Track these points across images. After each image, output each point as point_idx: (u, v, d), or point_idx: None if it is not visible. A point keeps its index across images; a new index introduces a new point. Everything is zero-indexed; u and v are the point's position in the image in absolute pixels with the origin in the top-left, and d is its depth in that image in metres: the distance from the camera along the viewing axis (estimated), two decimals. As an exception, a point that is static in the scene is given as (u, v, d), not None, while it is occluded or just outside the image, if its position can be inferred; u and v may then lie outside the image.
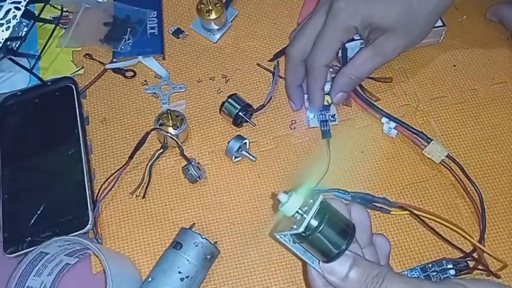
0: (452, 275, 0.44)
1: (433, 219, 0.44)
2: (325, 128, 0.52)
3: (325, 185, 0.49)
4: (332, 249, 0.33)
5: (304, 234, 0.32)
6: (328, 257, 0.33)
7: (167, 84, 0.56)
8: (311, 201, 0.33)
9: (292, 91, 0.52)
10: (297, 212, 0.33)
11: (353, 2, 0.46)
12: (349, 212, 0.36)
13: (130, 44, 0.57)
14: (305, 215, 0.32)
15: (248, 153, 0.51)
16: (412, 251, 0.47)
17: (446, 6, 0.47)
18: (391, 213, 0.42)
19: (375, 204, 0.41)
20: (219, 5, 0.56)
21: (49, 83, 0.56)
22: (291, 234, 0.34)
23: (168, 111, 0.51)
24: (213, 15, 0.56)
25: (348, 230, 0.33)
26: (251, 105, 0.53)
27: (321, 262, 0.34)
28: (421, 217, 0.44)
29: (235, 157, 0.51)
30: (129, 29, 0.58)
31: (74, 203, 0.49)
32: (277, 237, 0.35)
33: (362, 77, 0.49)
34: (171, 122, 0.51)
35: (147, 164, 0.51)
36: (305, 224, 0.32)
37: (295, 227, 0.32)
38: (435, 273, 0.45)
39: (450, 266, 0.45)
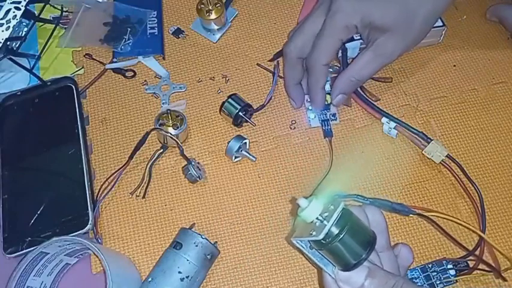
0: (452, 275, 0.44)
1: (449, 219, 0.43)
2: (326, 127, 0.52)
3: (325, 185, 0.49)
4: (351, 259, 0.32)
5: (323, 242, 0.31)
6: (347, 265, 0.32)
7: (167, 84, 0.56)
8: (331, 207, 0.32)
9: (291, 89, 0.52)
10: (317, 218, 0.32)
11: (352, 0, 0.46)
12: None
13: (130, 44, 0.57)
14: (325, 222, 0.31)
15: (248, 153, 0.51)
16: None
17: (444, 7, 0.47)
18: (410, 215, 0.42)
19: (393, 209, 0.40)
20: (219, 5, 0.56)
21: (49, 83, 0.56)
22: (309, 241, 0.33)
23: (168, 111, 0.51)
24: (213, 15, 0.56)
25: (369, 239, 0.33)
26: (251, 105, 0.53)
27: (335, 271, 0.34)
28: (435, 218, 0.44)
29: (235, 157, 0.51)
30: (129, 29, 0.58)
31: (74, 203, 0.49)
32: (294, 242, 0.34)
33: (363, 80, 0.49)
34: (171, 122, 0.51)
35: (147, 164, 0.51)
36: (325, 231, 0.31)
37: (314, 233, 0.31)
38: (435, 273, 0.45)
39: (450, 266, 0.45)
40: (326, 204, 0.32)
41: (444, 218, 0.43)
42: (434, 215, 0.44)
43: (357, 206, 0.36)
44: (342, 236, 0.31)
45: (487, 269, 0.44)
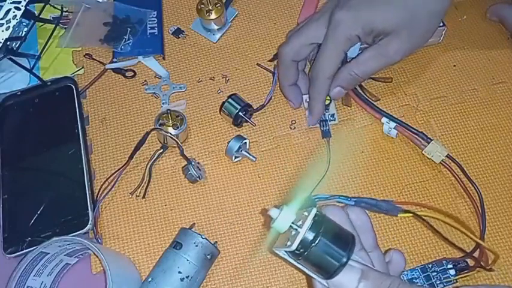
0: (452, 275, 0.44)
1: (437, 218, 0.43)
2: (324, 128, 0.52)
3: (324, 185, 0.49)
4: (333, 263, 0.31)
5: (298, 252, 0.30)
6: (329, 272, 0.31)
7: (167, 84, 0.56)
8: (305, 214, 0.31)
9: (286, 90, 0.53)
10: (291, 226, 0.31)
11: (352, 11, 0.46)
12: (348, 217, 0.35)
13: (130, 44, 0.57)
14: (299, 229, 0.30)
15: (248, 153, 0.51)
16: (412, 251, 0.47)
17: (446, 6, 0.47)
18: (398, 215, 0.41)
19: (379, 208, 0.40)
20: (219, 5, 0.56)
21: (49, 83, 0.56)
22: (286, 251, 0.32)
23: (168, 111, 0.51)
24: (213, 15, 0.56)
25: (347, 240, 0.31)
26: (251, 105, 0.53)
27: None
28: (425, 218, 0.44)
29: (235, 157, 0.51)
30: (129, 29, 0.58)
31: (74, 203, 0.49)
32: (276, 251, 0.33)
33: (363, 76, 0.49)
34: (171, 122, 0.51)
35: (147, 164, 0.51)
36: (298, 240, 0.30)
37: (289, 243, 0.30)
38: (435, 273, 0.45)
39: (450, 266, 0.45)
40: (299, 211, 0.31)
41: (434, 218, 0.44)
42: (427, 214, 0.43)
43: (336, 206, 0.35)
44: (316, 242, 0.30)
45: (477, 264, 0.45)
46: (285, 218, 0.31)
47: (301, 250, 0.30)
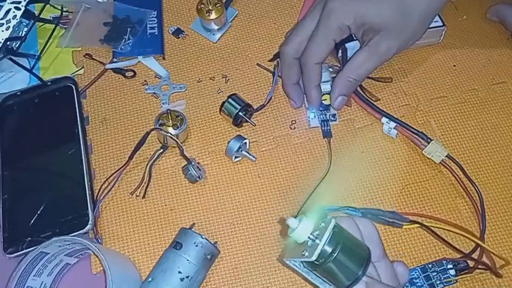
0: (452, 275, 0.44)
1: (441, 228, 0.43)
2: (325, 128, 0.52)
3: (325, 185, 0.49)
4: (347, 277, 0.31)
5: (317, 263, 0.30)
6: (344, 285, 0.31)
7: (167, 84, 0.56)
8: (322, 224, 0.31)
9: (289, 89, 0.53)
10: (308, 237, 0.31)
11: (346, 1, 0.46)
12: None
13: (130, 44, 0.57)
14: (317, 241, 0.30)
15: (248, 153, 0.51)
16: (412, 252, 0.47)
17: (440, 7, 0.47)
18: (403, 227, 0.41)
19: (385, 219, 0.40)
20: (219, 5, 0.56)
21: (49, 83, 0.56)
22: (301, 261, 0.32)
23: (168, 111, 0.51)
24: (213, 15, 0.56)
25: (363, 255, 0.31)
26: (251, 105, 0.53)
27: None
28: (431, 227, 0.44)
29: (235, 157, 0.51)
30: (129, 29, 0.58)
31: (74, 203, 0.49)
32: (287, 262, 0.33)
33: (360, 79, 0.49)
34: (171, 122, 0.51)
35: (147, 164, 0.51)
36: (318, 251, 0.30)
37: (307, 254, 0.30)
38: (435, 273, 0.45)
39: (450, 266, 0.45)
40: (316, 222, 0.31)
41: (438, 227, 0.44)
42: (433, 225, 0.44)
43: (347, 217, 0.35)
44: (335, 255, 0.30)
45: (484, 267, 0.45)
46: (304, 229, 0.31)
47: (320, 261, 0.30)
